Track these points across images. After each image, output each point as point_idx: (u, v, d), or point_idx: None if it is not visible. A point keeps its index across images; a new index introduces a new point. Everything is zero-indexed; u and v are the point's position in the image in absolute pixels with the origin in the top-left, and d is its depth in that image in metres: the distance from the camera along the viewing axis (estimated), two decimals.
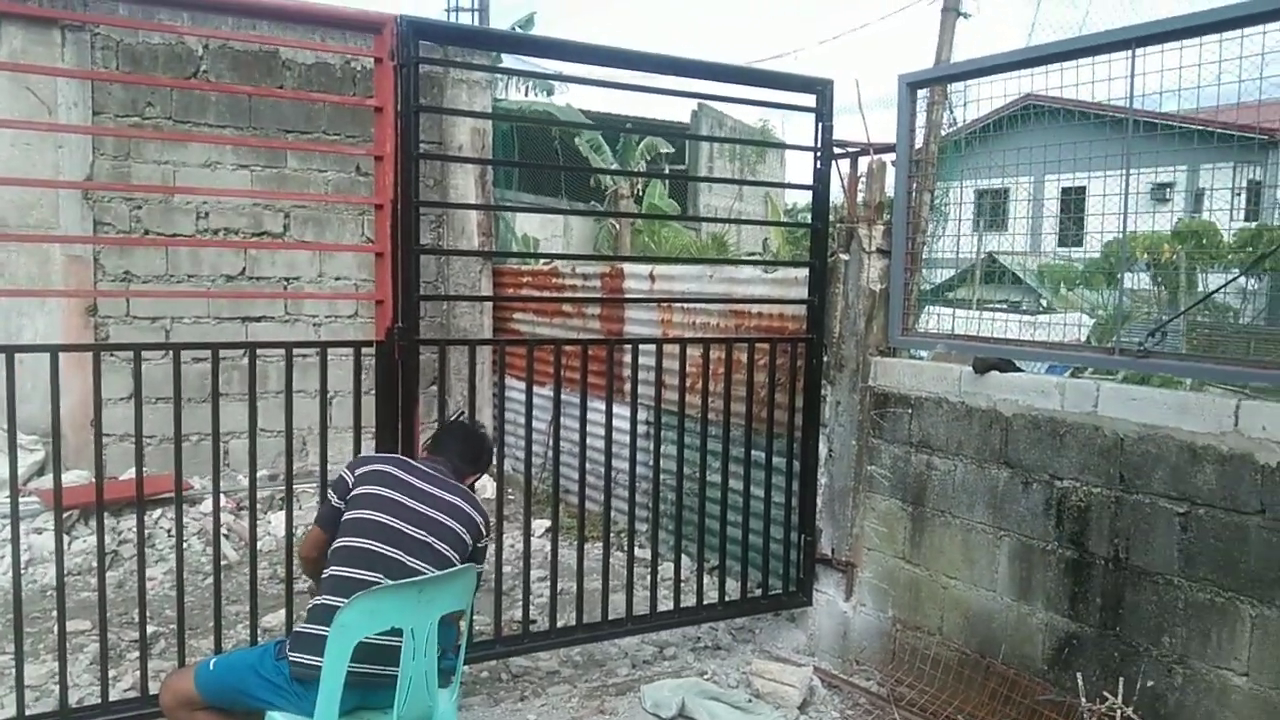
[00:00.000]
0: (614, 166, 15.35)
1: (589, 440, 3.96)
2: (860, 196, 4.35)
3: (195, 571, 5.26)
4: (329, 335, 6.77)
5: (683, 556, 4.28)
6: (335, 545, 2.77)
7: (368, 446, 3.44)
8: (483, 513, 2.98)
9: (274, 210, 6.61)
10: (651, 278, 5.79)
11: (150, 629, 4.35)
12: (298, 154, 6.67)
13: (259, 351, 3.43)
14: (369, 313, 6.97)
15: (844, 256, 4.28)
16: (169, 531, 5.72)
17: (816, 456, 4.34)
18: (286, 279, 6.66)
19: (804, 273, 4.48)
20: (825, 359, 4.33)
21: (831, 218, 4.33)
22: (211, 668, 2.73)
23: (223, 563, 5.47)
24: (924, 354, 4.24)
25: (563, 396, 4.66)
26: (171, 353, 3.29)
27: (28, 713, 3.08)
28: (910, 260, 4.10)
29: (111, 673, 3.88)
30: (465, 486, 3.03)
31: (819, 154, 4.20)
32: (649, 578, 4.19)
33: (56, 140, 6.12)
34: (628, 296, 5.80)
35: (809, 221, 4.40)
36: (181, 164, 6.40)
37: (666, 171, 16.78)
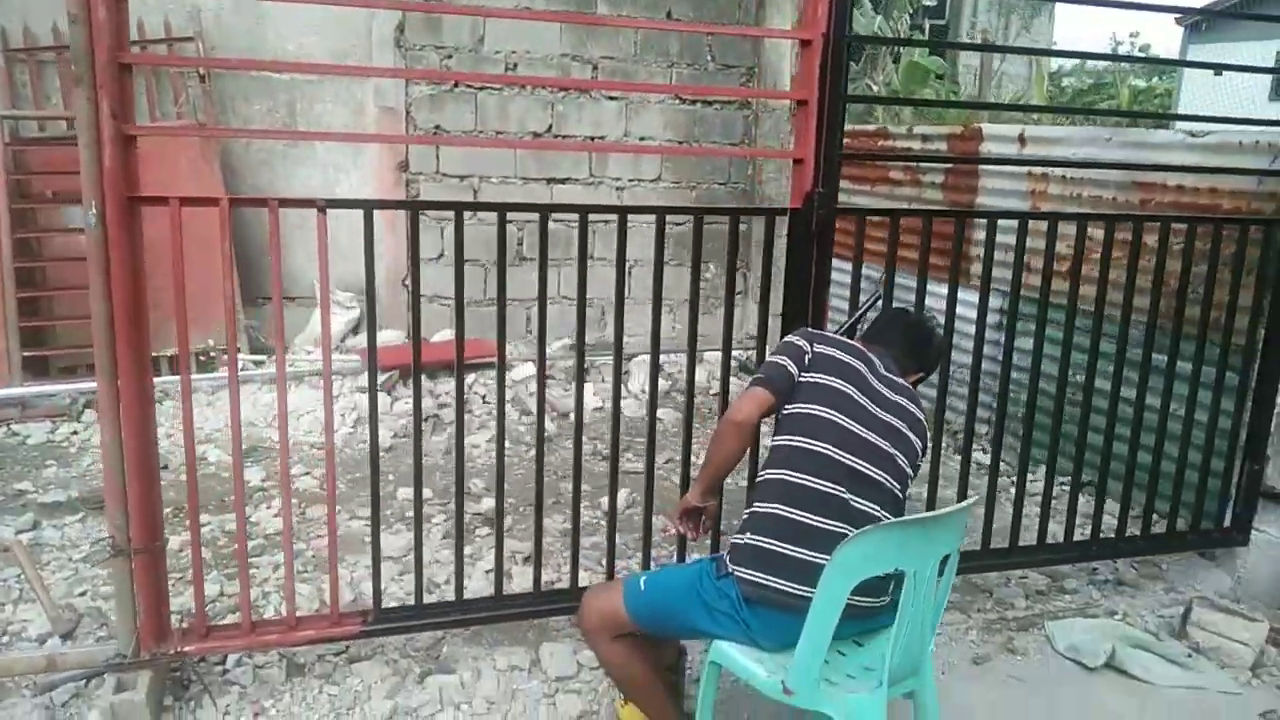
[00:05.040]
0: (878, 19, 13.75)
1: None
2: None
3: (516, 442, 5.07)
4: (631, 200, 6.35)
5: (1058, 482, 3.60)
6: (781, 443, 2.30)
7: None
8: (923, 411, 2.45)
9: (582, 62, 6.15)
10: (1021, 140, 4.94)
11: (489, 504, 4.19)
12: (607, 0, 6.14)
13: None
14: (672, 176, 6.51)
15: None
16: (484, 398, 5.57)
17: (1278, 370, 3.51)
18: (592, 137, 6.24)
19: (1256, 135, 3.57)
20: None
21: None
22: (643, 588, 2.35)
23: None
24: None
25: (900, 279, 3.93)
26: (541, 215, 2.80)
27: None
28: None
29: (467, 550, 3.72)
30: (909, 385, 2.49)
31: None
32: (1039, 503, 3.56)
33: None
34: (1010, 158, 4.90)
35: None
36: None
37: (927, 29, 15.06)
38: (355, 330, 6.06)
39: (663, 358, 6.13)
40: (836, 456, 2.23)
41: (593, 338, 6.41)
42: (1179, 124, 4.17)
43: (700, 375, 6.03)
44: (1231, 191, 3.95)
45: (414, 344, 2.74)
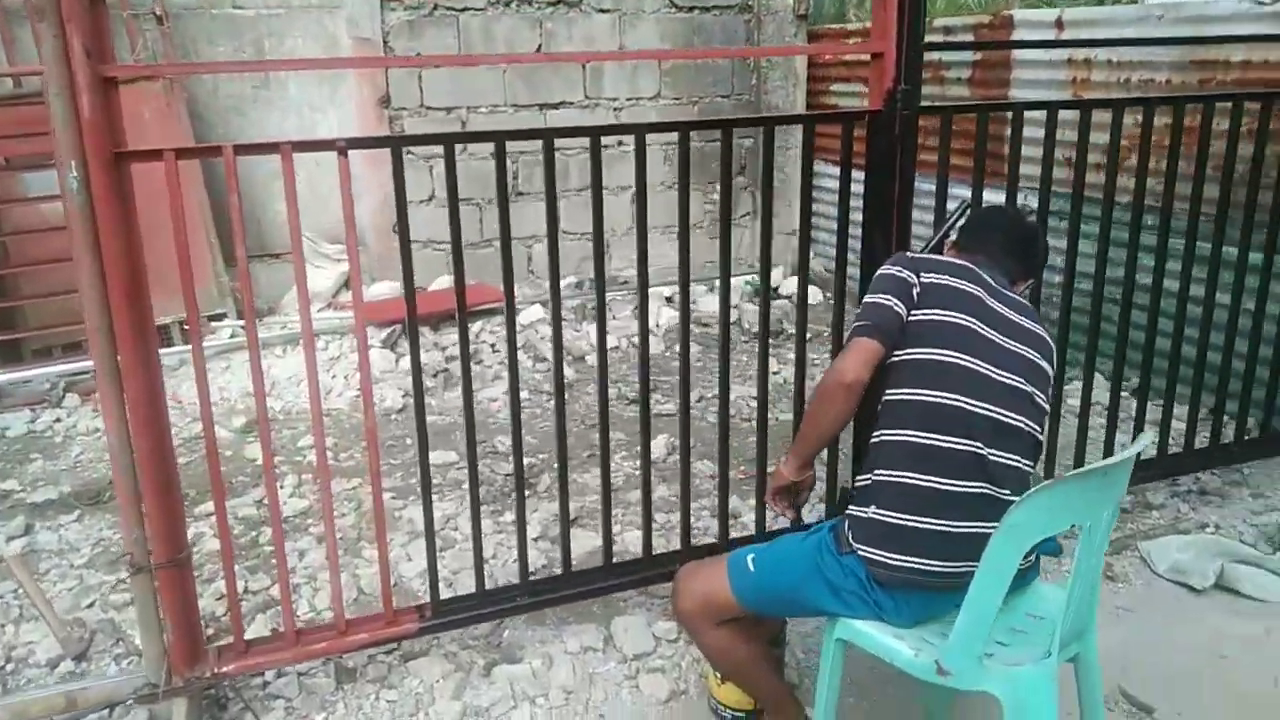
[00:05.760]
0: None
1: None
2: None
3: (536, 391, 4.73)
4: (630, 120, 5.93)
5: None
6: (899, 397, 1.96)
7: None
8: (1046, 328, 2.12)
9: None
10: (1059, 25, 4.55)
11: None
12: None
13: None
14: (671, 93, 6.09)
15: None
16: (493, 346, 5.22)
17: None
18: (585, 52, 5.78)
19: None
20: None
21: None
22: (751, 567, 2.03)
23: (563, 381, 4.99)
24: None
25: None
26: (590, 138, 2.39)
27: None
28: None
29: (505, 515, 3.41)
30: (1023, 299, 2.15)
31: None
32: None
33: None
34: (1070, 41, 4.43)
35: None
36: None
37: None
38: (349, 284, 5.65)
39: (673, 288, 5.79)
40: (969, 407, 1.89)
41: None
42: None
43: (715, 304, 5.68)
44: None
45: (457, 290, 2.38)
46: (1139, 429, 3.16)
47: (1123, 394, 3.48)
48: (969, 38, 5.02)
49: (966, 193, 2.62)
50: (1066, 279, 2.87)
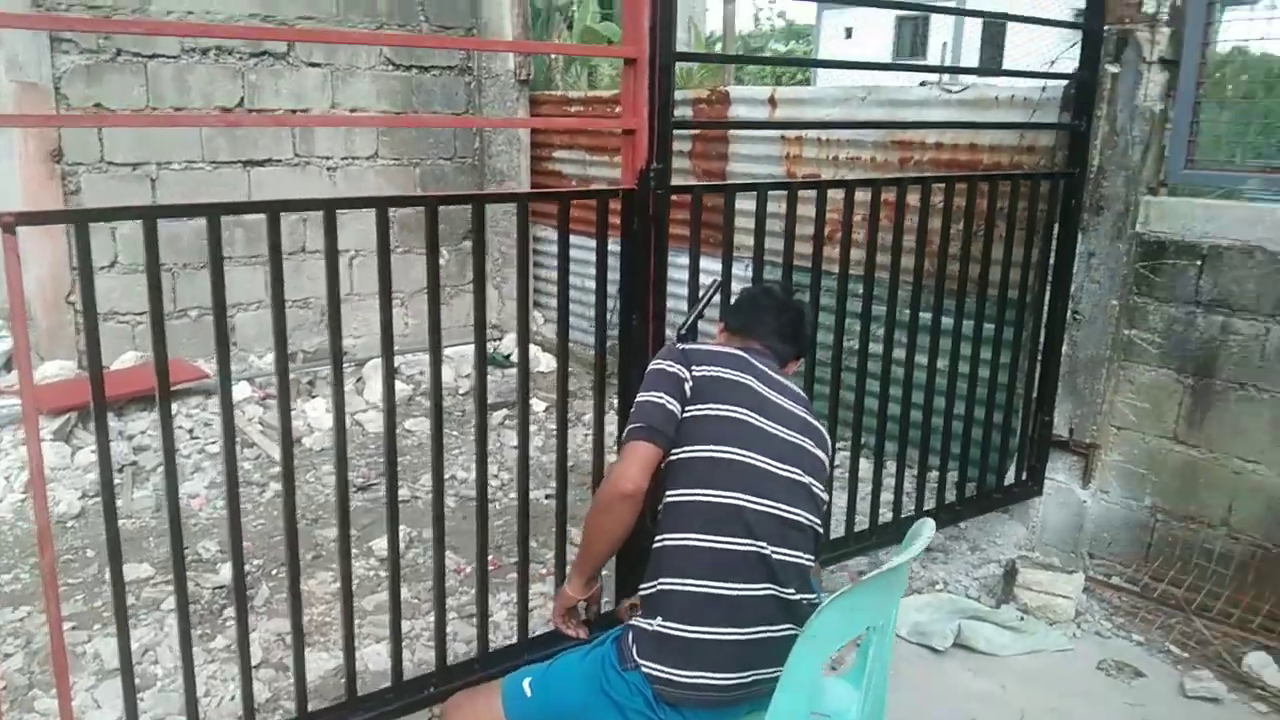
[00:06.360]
0: None
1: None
2: None
3: (245, 483, 4.21)
4: (345, 181, 5.57)
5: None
6: (678, 499, 1.85)
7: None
8: (816, 414, 2.11)
9: (275, 24, 5.22)
10: (772, 102, 4.77)
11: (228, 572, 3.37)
12: None
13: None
14: (390, 153, 5.81)
15: (1112, 69, 3.40)
16: (191, 432, 4.62)
17: (1064, 322, 3.57)
18: (293, 110, 5.34)
19: (1010, 90, 3.76)
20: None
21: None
22: (529, 693, 1.83)
23: (275, 471, 4.49)
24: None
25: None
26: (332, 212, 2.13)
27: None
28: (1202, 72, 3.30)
29: (214, 641, 2.96)
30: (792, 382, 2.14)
31: None
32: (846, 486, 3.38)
33: None
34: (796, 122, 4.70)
35: (1075, 21, 3.47)
36: None
37: None
38: (8, 366, 4.84)
39: (400, 359, 5.47)
40: (749, 504, 1.82)
41: (312, 344, 5.61)
42: (933, 80, 4.17)
43: (448, 374, 5.42)
44: (991, 146, 3.99)
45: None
46: (875, 496, 3.26)
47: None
48: (688, 112, 5.16)
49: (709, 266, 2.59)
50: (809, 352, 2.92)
